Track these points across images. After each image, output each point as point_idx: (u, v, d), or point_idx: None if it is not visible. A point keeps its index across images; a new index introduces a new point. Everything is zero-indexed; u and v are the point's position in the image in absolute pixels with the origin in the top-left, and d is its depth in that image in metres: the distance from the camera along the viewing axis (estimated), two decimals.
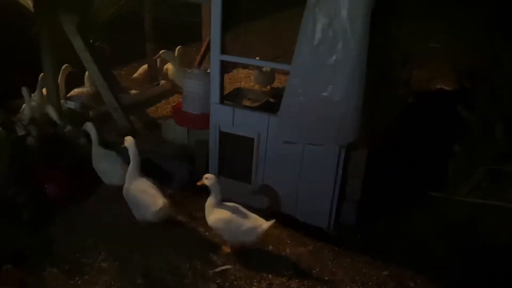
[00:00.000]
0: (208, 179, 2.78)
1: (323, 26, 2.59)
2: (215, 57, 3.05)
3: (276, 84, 5.19)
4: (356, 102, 2.66)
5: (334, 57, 2.62)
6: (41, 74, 4.08)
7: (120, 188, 3.29)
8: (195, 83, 3.45)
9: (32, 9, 4.80)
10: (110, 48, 5.44)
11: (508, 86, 2.89)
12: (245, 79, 5.68)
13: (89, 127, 3.35)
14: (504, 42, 2.92)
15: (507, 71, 2.90)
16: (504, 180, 2.82)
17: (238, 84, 5.37)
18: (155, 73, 5.29)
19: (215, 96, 3.17)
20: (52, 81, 3.95)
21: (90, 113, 4.18)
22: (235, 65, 5.91)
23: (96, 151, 3.33)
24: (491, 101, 3.00)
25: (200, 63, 5.13)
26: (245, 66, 5.90)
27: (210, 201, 2.82)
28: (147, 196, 2.90)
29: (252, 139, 3.14)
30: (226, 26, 2.98)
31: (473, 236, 2.85)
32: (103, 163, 3.29)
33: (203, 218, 3.18)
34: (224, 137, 3.25)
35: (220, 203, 2.81)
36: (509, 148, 2.85)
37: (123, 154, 3.15)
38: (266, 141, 3.11)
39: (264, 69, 5.07)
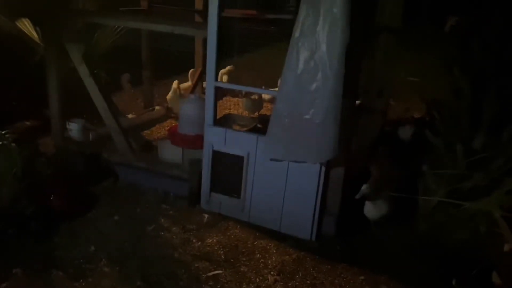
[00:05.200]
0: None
1: (305, 58, 2.98)
2: (210, 83, 3.43)
3: (263, 111, 5.59)
4: (334, 124, 3.04)
5: (314, 85, 3.00)
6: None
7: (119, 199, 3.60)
8: (191, 107, 3.81)
9: (36, 39, 5.20)
10: (107, 76, 5.80)
11: (466, 113, 3.31)
12: (234, 106, 6.09)
13: None
14: (462, 75, 3.36)
15: (465, 100, 3.33)
16: (463, 195, 3.20)
17: (228, 110, 5.76)
18: (150, 99, 5.65)
19: (209, 118, 3.52)
20: (57, 106, 4.29)
21: (90, 134, 4.48)
22: (224, 94, 6.33)
23: None
24: (453, 126, 3.41)
25: (192, 91, 5.52)
26: (235, 95, 6.33)
27: None
28: None
29: (242, 157, 3.48)
30: (221, 56, 3.37)
31: (440, 244, 3.20)
32: None
33: (195, 230, 3.51)
34: (216, 155, 3.59)
35: None
36: (467, 167, 3.23)
37: None
38: (255, 159, 3.45)
39: (252, 97, 5.48)
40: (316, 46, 2.94)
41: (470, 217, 3.03)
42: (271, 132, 3.25)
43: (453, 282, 2.88)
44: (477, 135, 3.26)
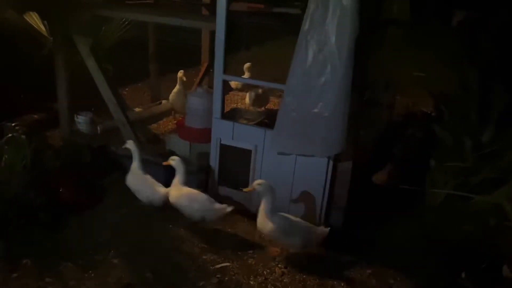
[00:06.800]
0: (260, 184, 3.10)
1: (314, 51, 2.98)
2: (218, 76, 3.43)
3: (270, 105, 5.59)
4: (343, 118, 3.04)
5: (323, 78, 3.00)
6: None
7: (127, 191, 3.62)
8: (198, 100, 3.81)
9: (44, 33, 5.20)
10: (114, 69, 5.81)
11: (474, 106, 3.30)
12: (240, 100, 6.08)
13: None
14: (470, 69, 3.35)
15: (473, 93, 3.32)
16: (471, 189, 3.18)
17: (234, 105, 5.75)
18: (157, 93, 5.66)
19: (217, 111, 3.53)
20: (65, 99, 4.31)
21: (98, 128, 4.49)
22: (231, 88, 6.32)
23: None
24: (460, 120, 3.40)
25: (199, 85, 5.52)
26: (241, 89, 6.31)
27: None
28: None
29: (250, 151, 3.49)
30: (228, 49, 3.37)
31: (448, 237, 3.19)
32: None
33: (203, 223, 3.51)
34: (224, 149, 3.60)
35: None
36: (475, 161, 3.22)
37: None
38: (263, 152, 3.45)
39: (259, 91, 5.47)
40: (326, 39, 2.93)
41: (479, 211, 3.01)
42: (279, 125, 3.25)
43: (463, 276, 2.88)
44: (486, 129, 3.25)
